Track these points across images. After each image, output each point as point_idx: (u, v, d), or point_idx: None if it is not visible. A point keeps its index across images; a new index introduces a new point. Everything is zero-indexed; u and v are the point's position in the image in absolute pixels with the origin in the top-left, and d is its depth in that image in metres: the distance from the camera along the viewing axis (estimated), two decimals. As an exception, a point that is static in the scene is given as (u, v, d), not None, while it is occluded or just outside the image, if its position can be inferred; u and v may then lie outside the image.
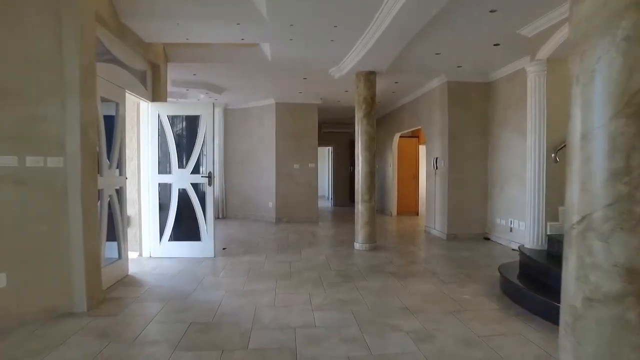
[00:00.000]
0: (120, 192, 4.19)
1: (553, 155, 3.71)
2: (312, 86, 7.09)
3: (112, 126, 4.05)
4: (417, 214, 9.44)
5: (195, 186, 5.09)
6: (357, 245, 5.61)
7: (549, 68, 3.75)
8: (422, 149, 9.40)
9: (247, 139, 8.94)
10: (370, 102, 5.53)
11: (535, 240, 3.92)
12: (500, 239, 5.90)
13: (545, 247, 3.86)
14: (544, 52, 3.73)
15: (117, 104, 4.06)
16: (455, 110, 6.20)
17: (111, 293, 3.58)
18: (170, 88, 6.72)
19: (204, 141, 5.06)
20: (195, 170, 5.11)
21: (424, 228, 7.22)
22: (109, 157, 3.95)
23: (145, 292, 3.64)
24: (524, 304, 3.21)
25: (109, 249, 4.11)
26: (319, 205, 9.65)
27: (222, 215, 8.96)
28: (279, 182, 8.39)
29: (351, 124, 9.53)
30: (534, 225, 3.93)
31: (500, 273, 3.76)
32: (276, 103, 8.31)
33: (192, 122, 5.18)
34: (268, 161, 8.53)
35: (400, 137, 9.42)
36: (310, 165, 8.50)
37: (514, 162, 5.59)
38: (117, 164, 4.16)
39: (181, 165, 5.11)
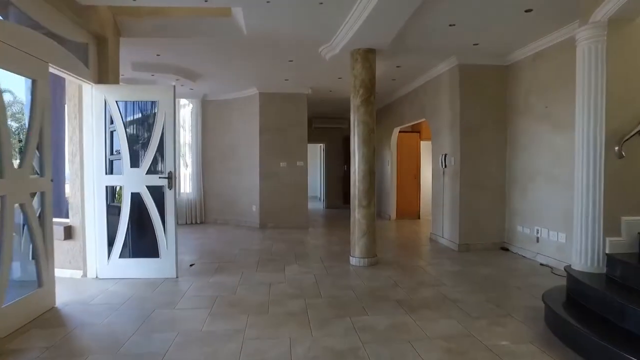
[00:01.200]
0: (42, 199, 3.18)
1: (617, 148, 2.76)
2: (299, 72, 6.10)
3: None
4: (419, 218, 8.50)
5: (152, 189, 4.08)
6: (353, 261, 4.63)
7: (609, 32, 2.81)
8: (424, 145, 8.48)
9: (227, 134, 7.91)
10: (369, 86, 4.53)
11: (587, 259, 2.97)
12: (523, 250, 4.96)
13: (602, 269, 2.92)
14: (604, 11, 2.79)
15: (34, 82, 3.04)
16: (468, 99, 5.25)
17: (13, 341, 2.57)
18: (131, 73, 5.70)
19: (162, 134, 4.05)
20: (153, 169, 4.10)
21: (430, 236, 6.26)
22: (21, 154, 2.95)
23: (64, 338, 2.63)
24: (590, 355, 2.27)
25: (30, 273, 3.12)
26: (310, 207, 8.68)
27: (200, 220, 7.94)
28: (264, 182, 7.37)
29: (345, 118, 8.55)
30: (585, 240, 2.98)
31: (547, 305, 2.82)
32: (259, 93, 7.29)
33: (148, 110, 4.17)
34: (251, 159, 7.50)
35: (399, 132, 8.46)
36: (298, 163, 7.48)
37: (541, 158, 4.66)
38: (39, 162, 3.16)
39: (135, 163, 4.10)
